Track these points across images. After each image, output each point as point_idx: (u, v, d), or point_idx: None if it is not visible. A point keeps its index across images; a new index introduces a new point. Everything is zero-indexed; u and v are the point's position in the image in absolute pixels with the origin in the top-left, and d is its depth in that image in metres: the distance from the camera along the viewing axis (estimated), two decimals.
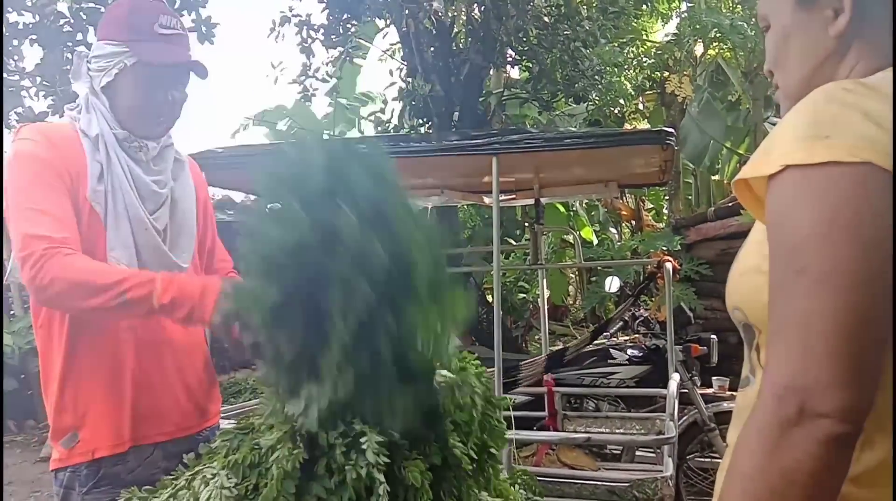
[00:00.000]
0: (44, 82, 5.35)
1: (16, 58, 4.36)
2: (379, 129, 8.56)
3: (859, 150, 0.71)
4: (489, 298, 7.78)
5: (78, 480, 1.50)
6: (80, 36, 5.54)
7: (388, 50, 9.61)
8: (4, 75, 3.97)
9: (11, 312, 7.43)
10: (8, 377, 6.93)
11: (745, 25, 6.06)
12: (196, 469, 1.15)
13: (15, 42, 4.43)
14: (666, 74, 8.96)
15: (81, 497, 1.49)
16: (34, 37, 5.29)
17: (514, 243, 8.67)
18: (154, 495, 1.15)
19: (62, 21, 5.47)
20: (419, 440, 1.11)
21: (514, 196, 4.57)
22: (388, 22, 6.96)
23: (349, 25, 6.58)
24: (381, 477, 1.01)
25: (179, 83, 1.61)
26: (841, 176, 0.71)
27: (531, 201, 4.52)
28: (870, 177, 0.70)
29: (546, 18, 6.27)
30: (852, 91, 0.77)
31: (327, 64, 7.41)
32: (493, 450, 1.23)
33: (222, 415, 1.81)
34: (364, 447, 1.02)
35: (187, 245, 1.66)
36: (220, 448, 1.16)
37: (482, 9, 6.16)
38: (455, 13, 5.64)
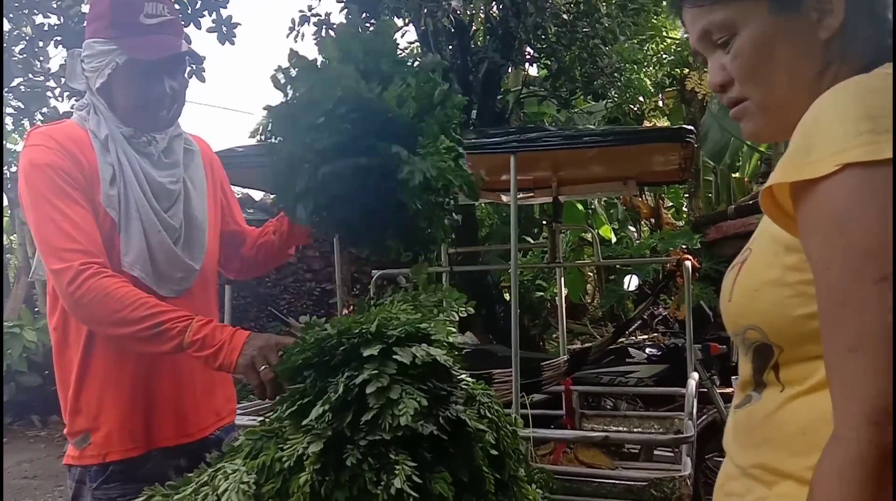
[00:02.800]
0: (67, 83, 5.43)
1: (41, 59, 4.43)
2: None
3: None
4: (506, 296, 7.77)
5: (89, 475, 1.52)
6: None
7: (406, 48, 9.63)
8: (31, 76, 4.04)
9: (36, 309, 7.55)
10: (32, 373, 7.05)
11: None
12: (218, 465, 1.18)
13: (41, 44, 4.50)
14: (686, 70, 8.90)
15: (91, 493, 1.51)
16: (59, 38, 5.37)
17: (532, 241, 8.65)
18: (176, 491, 1.17)
19: (85, 22, 5.55)
20: (444, 453, 1.12)
21: (532, 194, 4.57)
22: (407, 21, 6.96)
23: (367, 25, 6.60)
24: (413, 493, 1.03)
25: (177, 71, 1.58)
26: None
27: (549, 199, 4.51)
28: None
29: (565, 16, 6.24)
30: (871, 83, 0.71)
31: None
32: (515, 465, 1.26)
33: (239, 411, 1.82)
34: (396, 472, 1.03)
35: (200, 242, 1.66)
36: (243, 445, 1.18)
37: (501, 7, 6.15)
38: (473, 11, 5.64)
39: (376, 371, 1.07)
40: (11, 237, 8.87)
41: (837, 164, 0.65)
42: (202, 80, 5.32)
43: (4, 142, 8.21)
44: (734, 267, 0.87)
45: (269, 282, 8.58)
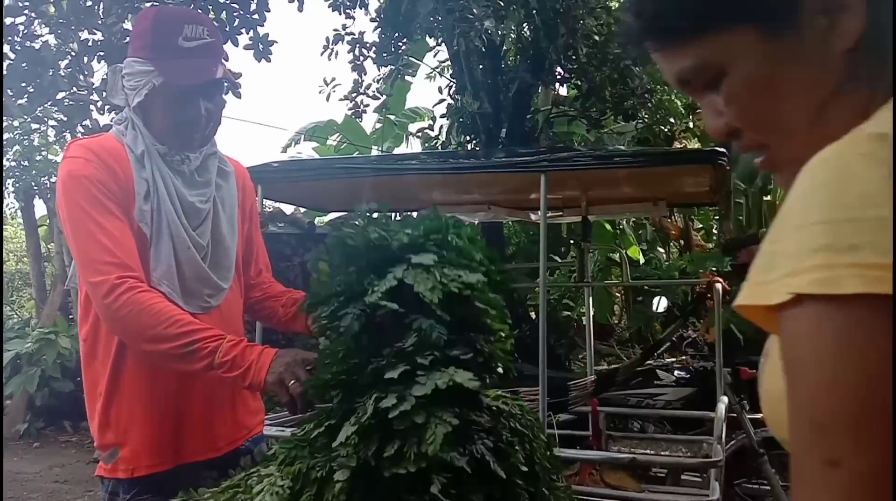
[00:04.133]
0: (108, 98, 5.58)
1: (86, 73, 4.57)
2: (427, 145, 8.65)
3: None
4: (532, 314, 7.75)
5: (122, 487, 1.54)
6: None
7: (437, 67, 9.73)
8: (75, 90, 4.17)
9: (70, 316, 7.70)
10: (65, 379, 7.18)
11: None
12: (251, 470, 1.20)
13: (85, 59, 4.65)
14: None
15: None
16: (102, 53, 5.53)
17: (560, 260, 8.63)
18: (211, 497, 1.20)
19: (127, 38, 5.71)
20: (482, 467, 1.13)
21: (561, 213, 4.58)
22: (439, 41, 7.05)
23: (400, 44, 6.70)
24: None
25: (214, 93, 1.59)
26: (876, 317, 0.46)
27: (578, 219, 4.52)
28: None
29: (596, 37, 6.27)
30: (887, 152, 0.49)
31: (378, 81, 7.54)
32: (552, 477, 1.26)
33: (268, 422, 1.84)
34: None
35: (228, 262, 1.67)
36: (277, 453, 1.20)
37: (532, 28, 6.20)
38: (505, 32, 5.70)
39: (397, 396, 1.05)
40: (49, 246, 9.09)
41: (790, 292, 0.49)
42: (238, 96, 5.45)
43: (45, 153, 8.44)
44: (764, 355, 0.71)
45: None
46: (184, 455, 1.57)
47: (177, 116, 1.55)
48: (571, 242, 8.98)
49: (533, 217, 4.62)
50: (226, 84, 1.64)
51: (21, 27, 4.05)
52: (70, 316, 7.71)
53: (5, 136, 8.49)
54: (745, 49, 0.61)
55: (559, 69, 6.71)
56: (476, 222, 4.67)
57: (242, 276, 1.77)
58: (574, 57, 6.38)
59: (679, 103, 8.88)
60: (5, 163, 8.26)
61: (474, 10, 4.49)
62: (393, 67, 6.48)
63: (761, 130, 0.65)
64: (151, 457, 1.54)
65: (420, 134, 9.21)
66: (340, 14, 6.69)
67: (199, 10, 5.84)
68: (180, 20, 1.54)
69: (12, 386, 7.21)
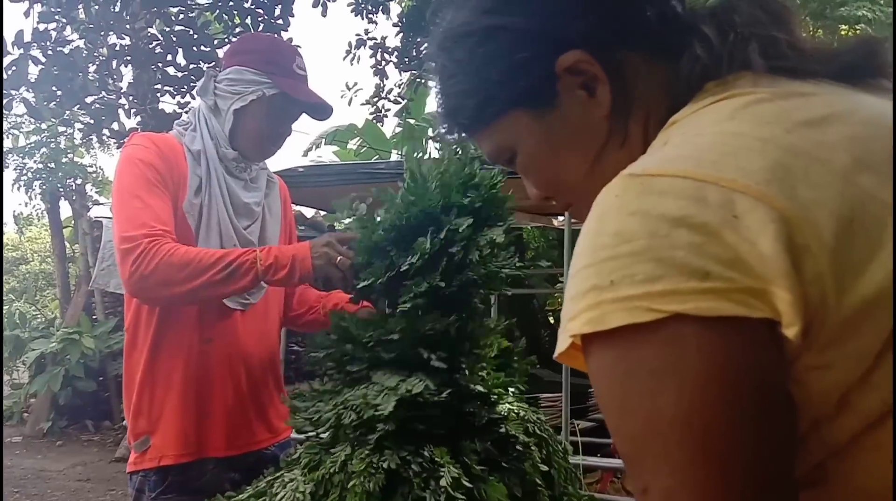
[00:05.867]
0: (135, 100, 5.67)
1: (114, 77, 4.65)
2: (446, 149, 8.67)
3: (660, 297, 0.47)
4: (551, 319, 7.73)
5: (147, 484, 1.56)
6: (169, 57, 5.85)
7: None
8: (104, 94, 4.24)
9: (94, 316, 7.81)
10: (88, 379, 7.28)
11: None
12: (276, 475, 1.21)
13: (114, 63, 4.72)
14: None
15: None
16: (129, 58, 5.62)
17: None
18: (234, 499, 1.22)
19: (154, 43, 5.79)
20: (497, 469, 1.14)
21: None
22: None
23: (422, 49, 6.73)
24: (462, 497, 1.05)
25: (297, 119, 1.71)
26: (642, 345, 0.48)
27: None
28: (691, 338, 0.46)
29: None
30: (636, 188, 0.51)
31: (400, 86, 7.58)
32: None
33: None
34: (441, 476, 1.06)
35: None
36: (302, 456, 1.22)
37: None
38: None
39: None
40: (74, 247, 9.22)
41: (571, 336, 0.51)
42: None
43: (72, 155, 8.58)
44: None
45: None
46: (206, 449, 1.59)
47: (270, 127, 1.65)
48: None
49: (556, 222, 4.61)
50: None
51: (53, 32, 4.12)
52: (94, 316, 7.82)
53: (33, 139, 8.65)
54: (522, 130, 0.69)
55: None
56: None
57: None
58: None
59: None
60: (32, 165, 8.42)
61: None
62: (414, 73, 6.50)
63: (556, 193, 0.74)
64: (177, 446, 1.56)
65: (440, 139, 9.23)
66: (363, 19, 6.74)
67: (225, 15, 5.93)
68: (293, 50, 1.71)
69: (37, 385, 7.32)
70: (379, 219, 1.29)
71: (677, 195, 0.49)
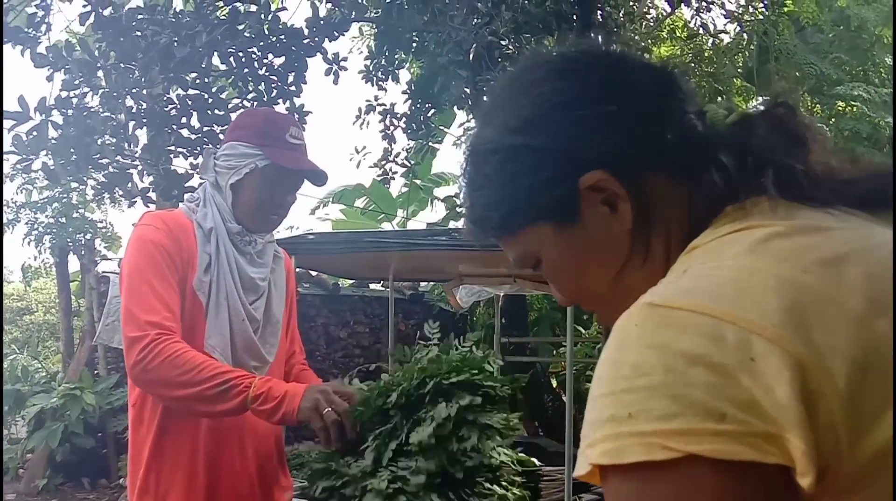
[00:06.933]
0: (148, 162, 5.80)
1: (130, 142, 4.78)
2: (452, 210, 8.79)
3: (677, 436, 0.47)
4: (553, 382, 7.69)
5: None
6: (184, 119, 6.01)
7: (463, 135, 9.96)
8: (119, 159, 4.36)
9: (96, 371, 7.79)
10: (87, 436, 7.20)
11: (824, 127, 6.07)
12: None
13: (130, 126, 4.88)
14: None
15: None
16: (145, 120, 5.77)
17: (584, 330, 8.59)
18: None
19: (170, 106, 5.96)
20: None
21: None
22: (468, 114, 7.26)
23: (429, 116, 6.91)
24: None
25: (297, 187, 1.75)
26: (658, 483, 0.48)
27: None
28: (706, 480, 0.47)
29: None
30: (655, 319, 0.53)
31: (408, 150, 7.75)
32: None
33: (296, 495, 1.87)
34: None
35: (275, 338, 1.76)
36: None
37: None
38: None
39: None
40: (80, 301, 9.26)
41: (589, 463, 0.52)
42: None
43: (83, 210, 8.69)
44: None
45: (320, 356, 8.70)
46: None
47: (266, 197, 1.69)
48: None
49: None
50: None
51: (74, 100, 4.26)
52: (96, 371, 7.80)
53: (45, 194, 8.80)
54: (546, 240, 0.72)
55: None
56: (501, 294, 4.72)
57: (283, 352, 1.85)
58: None
59: None
60: (44, 219, 8.53)
61: None
62: (422, 142, 6.66)
63: (579, 301, 0.76)
64: None
65: (446, 200, 9.36)
66: (373, 86, 6.94)
67: (240, 82, 6.11)
68: (287, 121, 1.75)
69: (35, 441, 7.24)
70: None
71: (695, 332, 0.50)
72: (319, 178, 1.75)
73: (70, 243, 8.33)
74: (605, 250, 0.70)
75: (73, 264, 8.99)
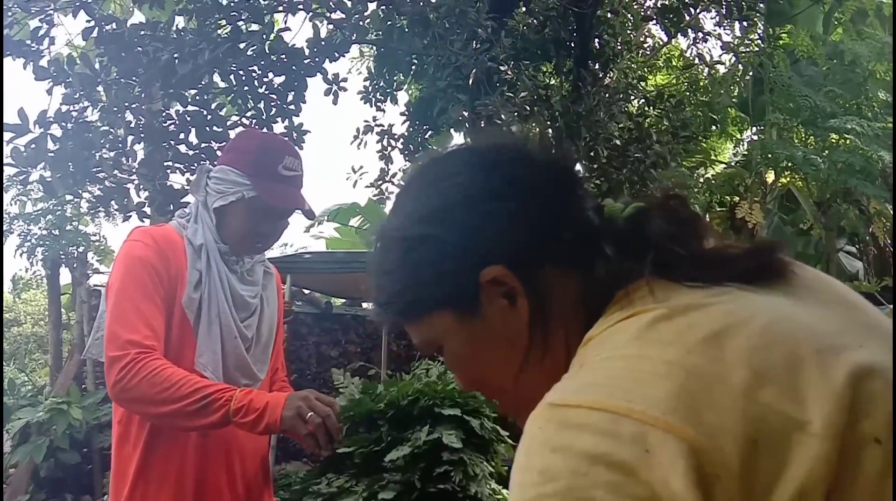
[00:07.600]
0: (144, 176, 5.80)
1: (128, 157, 4.79)
2: None
3: None
4: None
5: None
6: (182, 135, 6.03)
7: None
8: (117, 173, 4.37)
9: (84, 386, 7.72)
10: (72, 451, 7.11)
11: (818, 159, 6.12)
12: None
13: (129, 141, 4.89)
14: (736, 199, 9.00)
15: None
16: (143, 135, 5.78)
17: None
18: None
19: (168, 122, 5.98)
20: None
21: None
22: (465, 138, 7.32)
23: (426, 137, 6.96)
24: None
25: (283, 220, 1.72)
26: None
27: None
28: None
29: (617, 141, 6.49)
30: (557, 420, 0.54)
31: (404, 171, 7.78)
32: None
33: None
34: None
35: (266, 356, 1.76)
36: None
37: (555, 130, 6.43)
38: (531, 134, 5.91)
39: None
40: (70, 314, 9.20)
41: None
42: None
43: (76, 223, 8.67)
44: None
45: (310, 375, 8.65)
46: None
47: (250, 229, 1.66)
48: None
49: None
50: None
51: (74, 113, 4.28)
52: (83, 386, 7.72)
53: (39, 206, 8.77)
54: (448, 330, 0.73)
55: (581, 169, 6.91)
56: None
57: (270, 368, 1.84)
58: (595, 158, 6.58)
59: (697, 207, 9.03)
60: (37, 231, 8.50)
61: (503, 116, 4.70)
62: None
63: (479, 390, 0.78)
64: None
65: None
66: (371, 107, 6.99)
67: (239, 99, 6.14)
68: (283, 151, 1.68)
69: (19, 455, 7.15)
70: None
71: (594, 430, 0.51)
72: (307, 215, 1.74)
73: (62, 256, 8.30)
74: (504, 343, 0.71)
75: (65, 276, 8.95)
